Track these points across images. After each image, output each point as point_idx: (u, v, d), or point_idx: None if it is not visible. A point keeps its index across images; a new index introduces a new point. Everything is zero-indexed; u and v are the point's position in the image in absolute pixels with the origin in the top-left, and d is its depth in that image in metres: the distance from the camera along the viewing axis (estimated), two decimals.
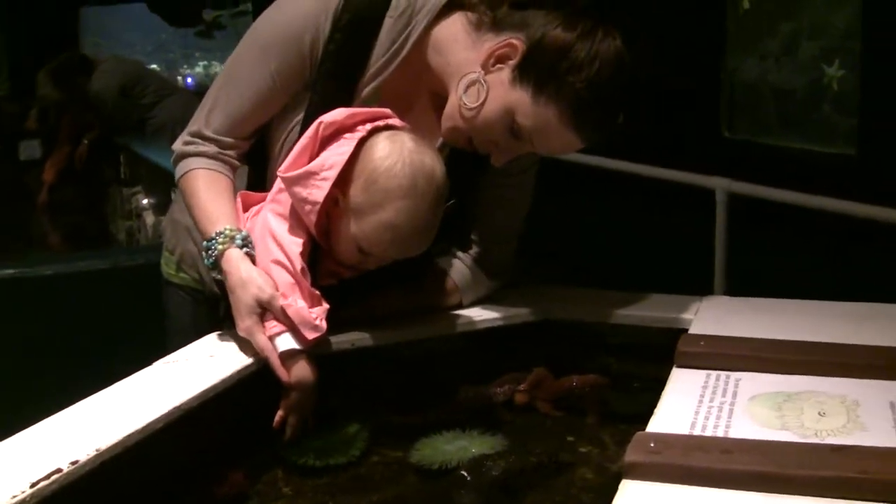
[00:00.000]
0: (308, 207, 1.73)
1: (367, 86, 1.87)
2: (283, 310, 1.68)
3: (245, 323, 1.71)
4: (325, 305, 1.73)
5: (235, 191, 1.90)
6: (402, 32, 1.86)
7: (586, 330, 1.95)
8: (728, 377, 1.56)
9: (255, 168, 1.98)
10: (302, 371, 1.68)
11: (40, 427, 1.41)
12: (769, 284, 2.22)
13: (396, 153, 1.71)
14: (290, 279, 1.71)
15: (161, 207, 5.11)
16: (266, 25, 1.90)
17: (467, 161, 1.89)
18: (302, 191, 1.73)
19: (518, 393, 1.82)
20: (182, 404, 1.49)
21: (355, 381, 1.79)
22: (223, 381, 1.60)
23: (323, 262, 1.81)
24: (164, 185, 4.98)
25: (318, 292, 1.73)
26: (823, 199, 3.21)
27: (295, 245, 1.74)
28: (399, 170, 1.70)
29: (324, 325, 1.70)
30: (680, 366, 1.62)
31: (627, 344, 1.93)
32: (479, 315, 1.94)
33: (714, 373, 1.58)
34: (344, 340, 1.79)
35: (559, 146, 1.80)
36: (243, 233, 1.78)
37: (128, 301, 3.29)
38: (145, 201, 5.45)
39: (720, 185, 3.54)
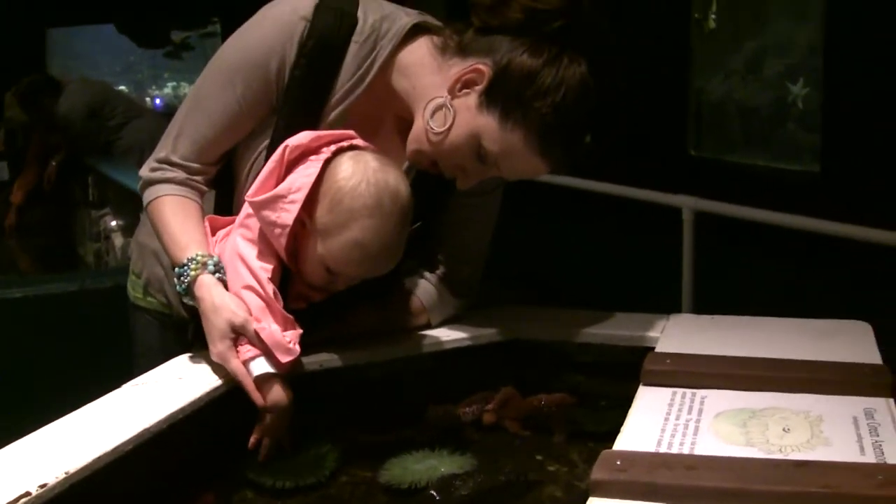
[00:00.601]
0: (277, 231, 1.73)
1: (334, 110, 1.88)
2: (256, 333, 1.69)
3: (218, 348, 1.71)
4: (298, 329, 1.74)
5: (203, 216, 1.90)
6: (367, 57, 1.87)
7: (554, 349, 1.96)
8: (694, 395, 1.57)
9: (221, 193, 1.98)
10: (277, 394, 1.68)
11: (8, 450, 1.40)
12: (735, 301, 2.25)
13: (360, 173, 1.72)
14: (261, 303, 1.72)
15: (129, 229, 5.10)
16: (231, 51, 1.89)
17: (433, 182, 1.90)
18: (271, 214, 1.73)
19: (486, 412, 1.83)
20: (151, 426, 1.49)
21: (324, 401, 1.79)
22: (192, 404, 1.60)
23: (292, 286, 1.82)
24: (133, 207, 4.97)
25: (290, 316, 1.74)
26: (788, 216, 3.24)
27: (264, 270, 1.74)
28: (364, 189, 1.71)
29: (297, 348, 1.71)
30: (646, 384, 1.63)
31: (595, 362, 1.94)
32: (447, 335, 1.95)
33: (680, 390, 1.59)
34: (313, 362, 1.80)
35: (525, 170, 1.82)
36: (215, 258, 1.78)
37: (96, 324, 3.28)
38: (114, 223, 5.43)
39: (686, 203, 3.57)
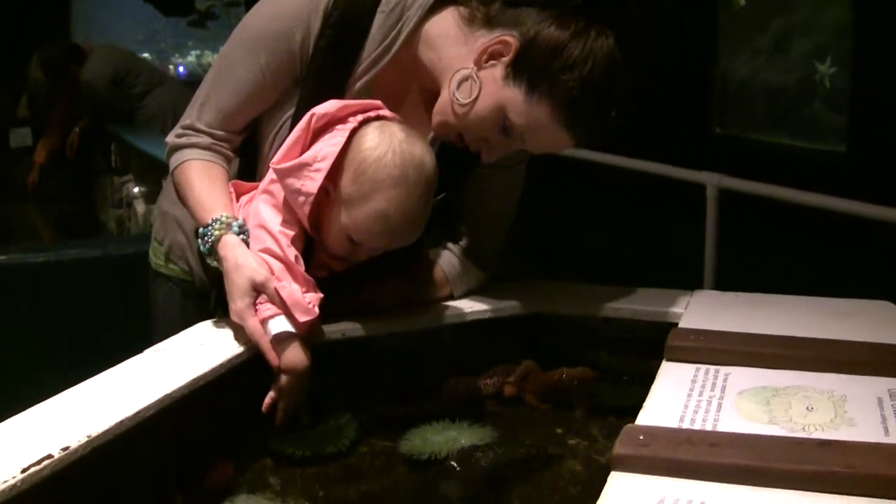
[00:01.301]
0: (301, 199, 1.73)
1: (359, 81, 1.87)
2: (276, 292, 1.68)
3: (237, 305, 1.71)
4: (319, 294, 1.73)
5: (228, 181, 1.90)
6: (393, 27, 1.86)
7: (576, 323, 1.96)
8: (717, 371, 1.57)
9: (245, 162, 1.98)
10: (294, 355, 1.68)
11: (31, 413, 1.41)
12: (758, 279, 2.24)
13: (386, 143, 1.72)
14: (282, 265, 1.72)
15: (151, 196, 5.11)
16: (256, 20, 1.89)
17: (457, 155, 1.90)
18: (295, 182, 1.73)
19: (507, 385, 1.83)
20: (173, 392, 1.49)
21: (346, 371, 1.79)
22: (213, 370, 1.60)
23: (314, 255, 1.81)
24: (155, 174, 4.98)
25: (311, 279, 1.73)
26: (812, 195, 3.22)
27: (285, 235, 1.74)
28: (389, 160, 1.70)
29: (316, 310, 1.70)
30: (669, 360, 1.63)
31: (617, 338, 1.94)
32: (470, 307, 1.95)
33: (703, 367, 1.59)
34: (335, 331, 1.80)
35: (550, 144, 1.81)
36: (239, 221, 1.78)
37: (117, 290, 3.29)
38: (136, 190, 5.44)
39: (710, 180, 3.55)
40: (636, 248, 4.15)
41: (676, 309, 1.89)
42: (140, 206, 5.23)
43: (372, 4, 1.86)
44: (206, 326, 1.82)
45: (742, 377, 1.55)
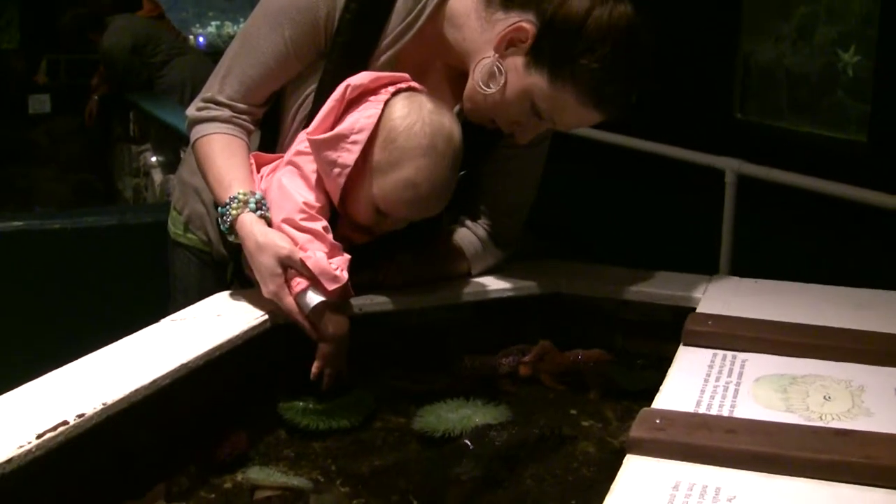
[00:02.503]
0: (337, 171, 1.73)
1: (383, 55, 1.87)
2: (303, 262, 1.68)
3: (269, 288, 1.71)
4: (346, 256, 1.73)
5: (249, 154, 1.90)
6: (417, 2, 1.85)
7: (593, 305, 1.95)
8: (734, 357, 1.56)
9: (266, 135, 1.98)
10: (332, 324, 1.68)
11: (47, 379, 1.41)
12: (775, 266, 2.22)
13: (416, 113, 1.72)
14: (307, 236, 1.71)
15: (169, 166, 5.11)
16: None
17: (480, 132, 1.89)
18: (331, 154, 1.73)
19: (522, 365, 1.83)
20: (188, 362, 1.49)
21: (362, 346, 1.79)
22: (230, 341, 1.60)
23: (337, 228, 1.81)
24: (173, 144, 4.98)
25: (337, 243, 1.73)
26: (832, 184, 3.21)
27: (310, 207, 1.74)
28: (419, 129, 1.71)
29: (344, 275, 1.70)
30: (687, 344, 1.62)
31: (633, 320, 1.93)
32: (488, 286, 1.94)
33: (720, 352, 1.58)
34: (352, 306, 1.79)
35: (582, 122, 1.81)
36: (257, 195, 1.77)
37: (134, 259, 3.29)
38: (153, 159, 5.44)
39: (730, 165, 3.54)
40: (652, 230, 4.13)
41: (694, 294, 1.88)
42: (157, 176, 5.23)
43: None
44: (223, 297, 1.82)
45: (759, 364, 1.54)
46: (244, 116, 1.92)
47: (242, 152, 1.88)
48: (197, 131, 1.92)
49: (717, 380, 1.47)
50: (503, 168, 2.02)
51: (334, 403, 1.68)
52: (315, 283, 1.68)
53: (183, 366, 1.48)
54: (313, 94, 1.88)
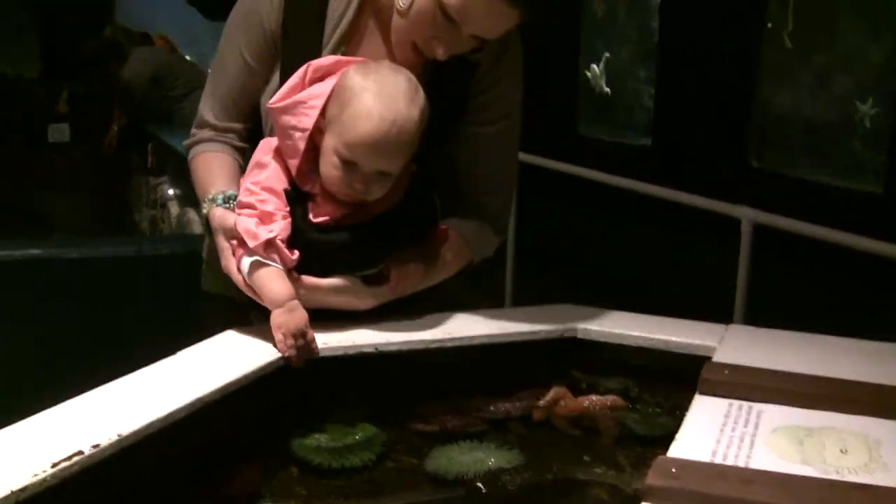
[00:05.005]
0: (298, 135, 1.80)
1: (329, 42, 1.97)
2: (234, 226, 1.79)
3: (223, 263, 1.84)
4: (285, 220, 1.81)
5: (232, 165, 2.00)
6: None
7: (609, 350, 1.94)
8: (750, 408, 1.55)
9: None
10: (267, 288, 1.78)
11: (63, 408, 1.42)
12: (789, 316, 2.22)
13: (367, 65, 1.83)
14: (245, 210, 1.81)
15: (185, 199, 5.13)
16: (233, 13, 2.03)
17: (442, 110, 1.93)
18: (291, 119, 1.81)
19: (536, 409, 1.82)
20: (203, 396, 1.50)
21: (375, 385, 1.79)
22: (245, 376, 1.60)
23: (316, 208, 1.85)
24: (190, 177, 4.99)
25: (275, 211, 1.81)
26: (848, 235, 3.20)
27: (254, 184, 1.84)
28: (371, 71, 1.80)
29: (268, 234, 1.76)
30: (703, 393, 1.62)
31: (648, 367, 1.92)
32: (502, 328, 1.94)
33: (736, 402, 1.57)
34: (367, 344, 1.79)
35: (496, 22, 1.84)
36: (228, 192, 1.89)
37: (150, 290, 3.29)
38: (171, 192, 5.47)
39: (746, 215, 3.54)
40: (668, 276, 4.13)
41: (709, 342, 1.87)
42: (174, 208, 5.26)
43: None
44: (238, 333, 1.82)
45: (776, 414, 1.53)
46: (228, 134, 2.04)
47: (222, 163, 2.00)
48: (189, 156, 2.07)
49: (734, 430, 1.47)
50: (474, 148, 2.07)
51: (347, 442, 1.67)
52: (255, 251, 1.77)
53: (198, 400, 1.48)
54: None
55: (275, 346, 1.72)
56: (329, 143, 1.79)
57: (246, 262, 1.78)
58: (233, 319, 1.94)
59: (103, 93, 6.54)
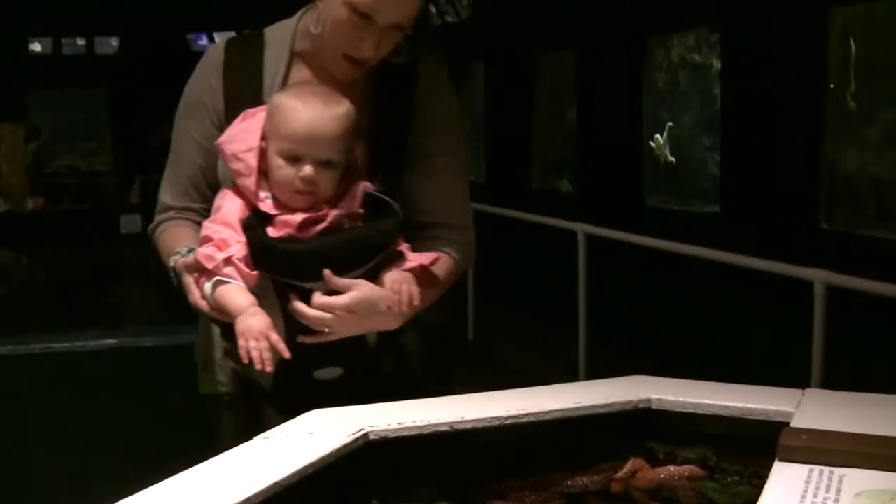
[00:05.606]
0: (248, 154, 1.94)
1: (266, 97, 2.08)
2: (195, 259, 1.90)
3: (192, 298, 1.93)
4: (241, 243, 1.90)
5: (192, 234, 2.07)
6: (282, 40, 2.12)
7: (684, 420, 1.93)
8: (832, 473, 1.53)
9: None
10: (228, 302, 1.88)
11: (142, 497, 1.43)
12: (867, 377, 2.19)
13: (289, 87, 2.01)
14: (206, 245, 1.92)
15: None
16: (180, 105, 2.14)
17: (391, 118, 2.08)
18: (239, 145, 1.97)
19: (614, 482, 1.81)
20: (281, 480, 1.50)
21: (452, 461, 1.78)
22: (322, 459, 1.60)
23: (277, 221, 1.93)
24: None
25: (228, 238, 1.90)
26: None
27: (212, 222, 1.95)
28: (292, 88, 2.02)
29: (219, 257, 1.87)
30: (782, 460, 1.60)
31: (725, 435, 1.90)
32: (577, 402, 1.93)
33: (817, 468, 1.55)
34: (442, 423, 1.79)
35: (403, 8, 1.96)
36: (192, 246, 1.97)
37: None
38: None
39: (818, 277, 3.51)
40: (742, 342, 4.09)
41: (787, 407, 1.85)
42: None
43: (258, 44, 2.12)
44: (315, 414, 1.83)
45: (858, 479, 1.51)
46: (189, 213, 2.14)
47: (186, 232, 2.09)
48: (153, 237, 2.17)
49: (815, 496, 1.44)
50: (424, 165, 2.14)
51: None
52: (214, 273, 1.88)
53: (276, 483, 1.49)
54: None
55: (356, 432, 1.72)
56: (272, 149, 1.94)
57: (208, 285, 1.89)
58: (242, 417, 2.06)
59: None
